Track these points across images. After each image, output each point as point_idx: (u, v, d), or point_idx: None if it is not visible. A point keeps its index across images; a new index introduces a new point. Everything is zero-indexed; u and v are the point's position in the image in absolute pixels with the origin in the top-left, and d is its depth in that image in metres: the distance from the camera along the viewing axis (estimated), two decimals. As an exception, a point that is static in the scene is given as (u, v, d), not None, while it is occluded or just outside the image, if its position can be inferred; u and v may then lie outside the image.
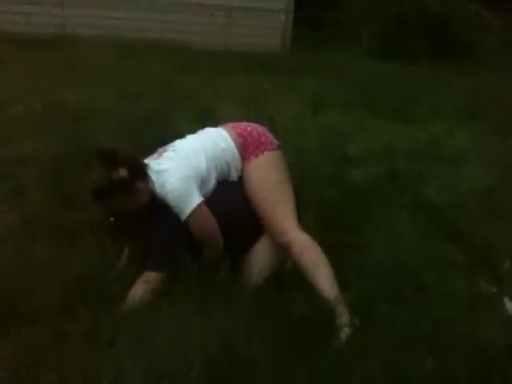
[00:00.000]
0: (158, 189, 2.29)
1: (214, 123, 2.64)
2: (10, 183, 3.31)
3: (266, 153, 2.45)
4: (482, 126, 5.43)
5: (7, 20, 8.42)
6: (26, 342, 1.90)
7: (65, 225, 2.76)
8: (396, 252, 2.73)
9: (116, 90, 5.62)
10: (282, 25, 9.41)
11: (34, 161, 3.58)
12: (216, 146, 2.42)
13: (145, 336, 1.92)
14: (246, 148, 2.44)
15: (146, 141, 3.33)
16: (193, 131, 2.59)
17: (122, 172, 2.23)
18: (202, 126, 2.64)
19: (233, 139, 2.45)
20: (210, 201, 2.33)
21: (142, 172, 2.30)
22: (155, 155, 2.43)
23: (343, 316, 2.14)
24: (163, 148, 2.46)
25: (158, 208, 2.30)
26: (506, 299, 2.43)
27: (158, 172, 2.31)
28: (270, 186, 2.41)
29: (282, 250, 2.38)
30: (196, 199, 2.28)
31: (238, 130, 2.48)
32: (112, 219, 2.38)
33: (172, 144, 2.47)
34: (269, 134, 2.54)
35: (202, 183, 2.36)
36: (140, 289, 2.21)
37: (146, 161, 2.39)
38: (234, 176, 2.47)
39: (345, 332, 2.09)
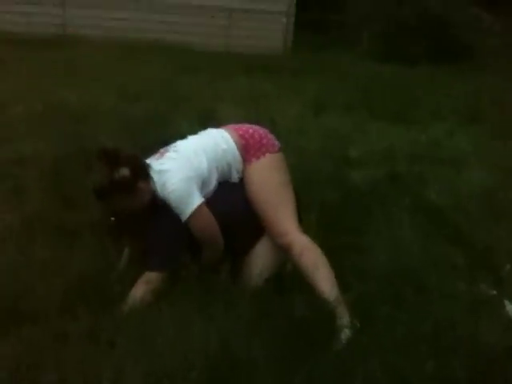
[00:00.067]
0: (159, 189, 2.29)
1: (215, 124, 2.65)
2: (11, 183, 3.31)
3: (267, 155, 2.45)
4: (482, 128, 5.44)
5: (8, 20, 8.43)
6: (26, 342, 1.90)
7: (65, 225, 2.76)
8: (396, 254, 2.73)
9: (116, 90, 5.62)
10: (283, 27, 9.41)
11: (35, 161, 3.58)
12: (217, 147, 2.42)
13: (145, 337, 1.92)
14: (248, 150, 2.44)
15: (147, 141, 3.33)
16: (193, 132, 2.59)
17: (124, 172, 2.23)
18: (203, 127, 2.64)
19: (234, 141, 2.45)
20: (211, 202, 2.33)
21: (143, 172, 2.30)
22: (157, 155, 2.43)
23: (343, 317, 2.14)
24: (165, 148, 2.46)
25: (159, 208, 2.30)
26: (506, 302, 2.43)
27: (160, 172, 2.31)
28: (272, 188, 2.41)
29: (283, 252, 2.38)
30: (197, 200, 2.28)
31: (240, 132, 2.48)
32: (113, 219, 2.37)
33: (174, 144, 2.47)
34: (270, 136, 2.54)
35: (203, 184, 2.36)
36: (141, 289, 2.21)
37: (148, 161, 2.39)
38: (235, 177, 2.47)
39: (345, 333, 2.09)
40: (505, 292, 2.53)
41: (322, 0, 11.21)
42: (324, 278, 2.26)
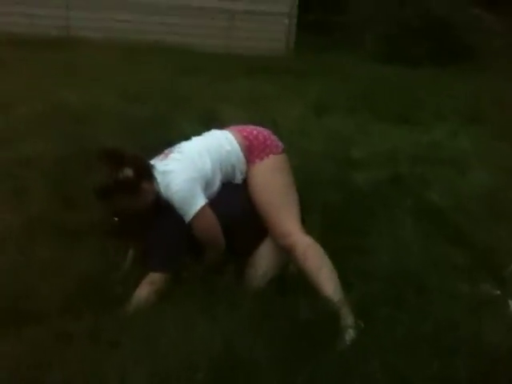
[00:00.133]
0: (162, 190, 2.30)
1: (218, 126, 2.65)
2: (12, 183, 3.32)
3: (271, 156, 2.45)
4: (484, 129, 5.43)
5: (10, 21, 8.43)
6: (29, 342, 1.90)
7: (66, 225, 2.77)
8: (398, 255, 2.73)
9: (117, 91, 5.62)
10: (285, 28, 9.40)
11: (36, 161, 3.59)
12: (221, 148, 2.43)
13: (149, 338, 1.92)
14: (252, 151, 2.45)
15: (148, 142, 3.34)
16: (195, 133, 2.60)
17: (128, 172, 2.23)
18: (205, 129, 2.65)
19: (238, 142, 2.46)
20: (214, 203, 2.34)
21: (147, 173, 2.31)
22: (161, 156, 2.44)
23: (348, 318, 2.15)
24: (169, 149, 2.47)
25: (163, 209, 2.31)
26: (510, 301, 2.43)
27: (164, 173, 2.31)
28: (275, 189, 2.42)
29: (286, 253, 2.38)
30: (200, 201, 2.28)
31: (244, 133, 2.49)
32: (116, 219, 2.38)
33: (178, 145, 2.48)
34: (274, 138, 2.55)
35: (207, 185, 2.36)
36: (145, 290, 2.22)
37: (152, 162, 2.40)
38: (239, 178, 2.48)
39: (349, 334, 2.09)
40: (508, 292, 2.53)
41: (324, 1, 11.22)
42: (327, 279, 2.26)
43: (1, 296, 2.15)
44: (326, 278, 2.26)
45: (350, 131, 5.10)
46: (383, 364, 1.88)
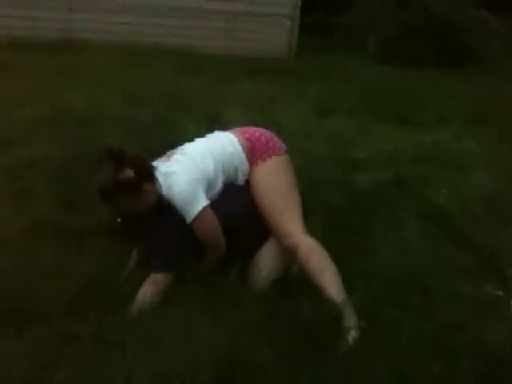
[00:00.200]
0: (165, 191, 2.31)
1: (221, 128, 2.66)
2: (19, 185, 3.33)
3: (273, 157, 2.46)
4: (487, 132, 5.43)
5: (13, 24, 8.46)
6: (34, 342, 1.91)
7: (71, 227, 2.78)
8: (402, 257, 2.74)
9: (121, 94, 5.64)
10: (287, 30, 9.41)
11: (40, 163, 3.60)
12: (224, 150, 2.44)
13: (153, 338, 1.93)
14: (254, 153, 2.46)
15: (152, 145, 3.34)
16: (199, 135, 2.61)
17: (129, 173, 2.24)
18: (209, 131, 2.66)
19: (241, 144, 2.46)
20: (216, 205, 2.34)
21: (148, 174, 2.32)
22: (164, 158, 2.45)
23: (350, 319, 2.15)
24: (172, 151, 2.48)
25: (165, 210, 2.31)
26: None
27: (166, 174, 2.32)
28: (278, 191, 2.42)
29: (289, 254, 2.39)
30: (202, 202, 2.29)
31: (247, 135, 2.50)
32: (119, 220, 2.39)
33: (181, 147, 2.49)
34: (276, 139, 2.55)
35: (209, 186, 2.37)
36: (149, 290, 2.23)
37: (155, 163, 2.41)
38: (241, 180, 2.49)
39: (352, 335, 2.10)
40: (511, 293, 2.53)
41: (327, 3, 11.23)
42: (330, 281, 2.27)
43: (6, 297, 2.16)
44: (329, 279, 2.27)
45: (353, 133, 5.10)
46: (388, 365, 1.88)
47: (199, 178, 2.33)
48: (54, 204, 3.04)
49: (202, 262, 2.38)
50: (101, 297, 2.16)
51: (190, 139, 2.57)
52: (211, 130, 2.64)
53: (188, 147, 2.48)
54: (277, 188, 2.43)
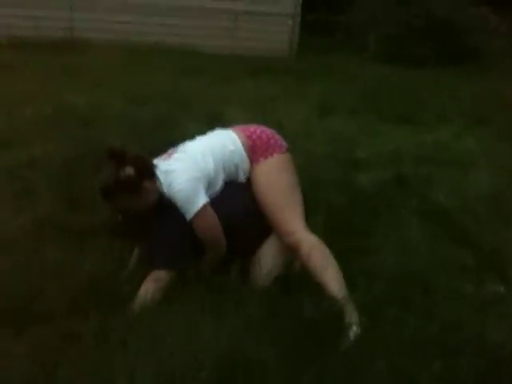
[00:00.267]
0: (165, 189, 2.31)
1: (222, 126, 2.66)
2: (19, 185, 3.34)
3: (275, 155, 2.46)
4: (488, 131, 5.43)
5: (16, 24, 8.47)
6: (36, 341, 1.92)
7: (75, 226, 2.78)
8: (404, 256, 2.74)
9: (122, 93, 5.65)
10: (288, 29, 9.41)
11: (44, 163, 3.62)
12: (224, 148, 2.44)
13: (155, 337, 1.93)
14: (255, 150, 2.46)
15: (154, 145, 3.35)
16: (200, 135, 2.61)
17: (129, 171, 2.24)
18: (210, 130, 2.66)
19: (242, 141, 2.46)
20: (217, 203, 2.34)
21: (149, 172, 2.32)
22: (164, 156, 2.45)
23: (352, 315, 2.16)
24: (172, 149, 2.48)
25: (166, 208, 2.32)
26: None
27: (166, 172, 2.33)
28: (279, 190, 2.42)
29: (290, 251, 2.39)
30: (202, 200, 2.30)
31: (247, 133, 2.50)
32: (120, 219, 2.39)
33: (182, 145, 2.49)
34: (278, 137, 2.55)
35: (209, 184, 2.38)
36: (150, 287, 2.23)
37: (156, 161, 2.41)
38: (242, 178, 2.49)
39: (353, 331, 2.11)
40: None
41: (328, 2, 11.23)
42: (332, 278, 2.27)
43: (7, 296, 2.17)
44: (331, 277, 2.27)
45: (354, 132, 5.11)
46: (389, 364, 1.88)
47: (199, 176, 2.33)
48: (54, 204, 3.05)
49: (202, 260, 2.39)
50: (102, 296, 2.16)
51: (191, 138, 2.57)
52: (212, 130, 2.64)
53: (189, 145, 2.48)
54: (278, 186, 2.43)
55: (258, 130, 2.53)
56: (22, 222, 2.83)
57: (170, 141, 2.70)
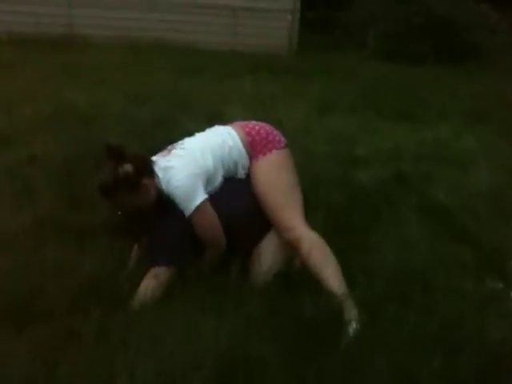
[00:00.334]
0: (164, 185, 2.31)
1: (222, 123, 2.66)
2: (19, 184, 3.34)
3: (274, 151, 2.47)
4: (488, 128, 5.43)
5: (15, 21, 8.45)
6: (38, 341, 1.92)
7: (75, 225, 2.79)
8: (404, 254, 2.74)
9: (123, 92, 5.65)
10: (288, 25, 9.40)
11: (44, 162, 3.62)
12: (223, 144, 2.45)
13: (156, 336, 1.93)
14: (254, 147, 2.46)
15: (154, 143, 3.34)
16: (200, 132, 2.61)
17: (128, 168, 2.24)
18: (210, 128, 2.66)
19: (241, 138, 2.47)
20: (216, 203, 2.34)
21: (147, 168, 2.32)
22: (164, 152, 2.46)
23: (351, 312, 2.17)
24: (172, 145, 2.48)
25: (166, 205, 2.32)
26: None
27: (165, 169, 2.33)
28: (279, 188, 2.43)
29: (290, 248, 2.40)
30: (201, 196, 2.30)
31: (246, 129, 2.50)
32: (120, 217, 2.40)
33: (181, 142, 2.49)
34: (277, 133, 2.56)
35: (208, 181, 2.38)
36: (150, 284, 2.24)
37: (155, 158, 2.42)
38: (242, 174, 2.49)
39: (353, 327, 2.11)
40: (511, 285, 2.54)
41: (327, -1, 11.22)
42: (332, 275, 2.28)
43: (7, 295, 2.17)
44: (330, 274, 2.28)
45: (354, 130, 5.11)
46: (389, 361, 1.89)
47: (198, 172, 2.33)
48: (54, 202, 3.05)
49: (202, 259, 2.39)
50: (102, 295, 2.16)
51: (191, 134, 2.57)
52: (211, 127, 2.64)
53: (188, 142, 2.48)
54: (278, 185, 2.44)
55: (257, 126, 2.54)
56: (22, 221, 2.83)
57: (170, 139, 2.71)
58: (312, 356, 1.91)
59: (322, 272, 2.28)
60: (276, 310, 2.12)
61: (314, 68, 7.70)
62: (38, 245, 2.54)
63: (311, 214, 2.60)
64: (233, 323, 1.99)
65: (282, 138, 2.56)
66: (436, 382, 1.87)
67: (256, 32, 9.15)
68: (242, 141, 2.46)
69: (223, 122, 2.66)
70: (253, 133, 2.49)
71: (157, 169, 2.34)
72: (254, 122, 2.58)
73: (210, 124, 2.65)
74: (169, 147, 2.48)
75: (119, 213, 2.38)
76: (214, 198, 2.36)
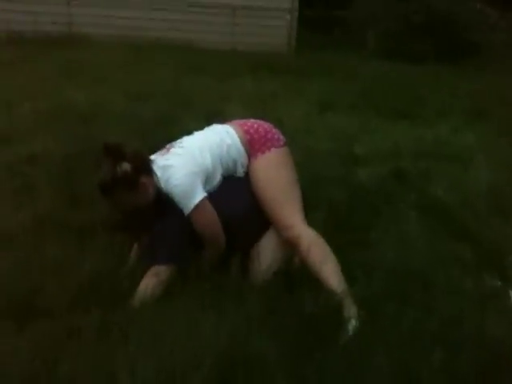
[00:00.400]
0: (163, 184, 2.32)
1: (221, 121, 2.67)
2: (19, 181, 3.35)
3: (272, 149, 2.47)
4: (488, 126, 5.43)
5: (14, 19, 8.45)
6: (39, 337, 1.93)
7: (75, 223, 2.79)
8: (403, 251, 2.75)
9: (123, 90, 5.65)
10: (286, 24, 9.40)
11: (44, 159, 3.62)
12: (222, 142, 2.45)
13: (156, 333, 1.94)
14: (253, 145, 2.46)
15: (155, 142, 3.34)
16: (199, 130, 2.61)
17: (126, 167, 2.25)
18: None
19: (239, 136, 2.47)
20: (216, 203, 2.34)
21: (146, 167, 2.33)
22: (163, 151, 2.46)
23: (350, 309, 2.18)
24: (171, 144, 2.49)
25: (165, 203, 2.32)
26: (511, 292, 2.45)
27: (164, 167, 2.33)
28: (279, 186, 2.43)
29: (290, 246, 2.40)
30: (200, 195, 2.30)
31: (245, 127, 2.51)
32: (120, 215, 2.40)
33: (180, 140, 2.50)
34: (275, 131, 2.56)
35: (207, 179, 2.38)
36: (150, 282, 2.24)
37: (154, 156, 2.42)
38: (241, 172, 2.49)
39: (352, 324, 2.12)
40: (510, 283, 2.55)
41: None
42: (331, 273, 2.29)
43: (8, 293, 2.18)
44: (330, 272, 2.29)
45: (354, 128, 5.11)
46: (389, 358, 1.89)
47: (197, 171, 2.34)
48: (54, 200, 3.05)
49: (202, 257, 2.39)
50: (102, 292, 2.17)
51: (190, 133, 2.58)
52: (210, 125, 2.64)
53: (187, 140, 2.48)
54: (277, 183, 2.44)
55: (256, 124, 2.54)
56: (22, 219, 2.84)
57: (170, 138, 2.71)
58: (312, 353, 1.91)
59: (321, 270, 2.28)
60: (276, 308, 2.12)
61: (314, 67, 7.70)
62: (38, 242, 2.55)
63: (311, 212, 2.60)
64: (233, 321, 2.00)
65: (281, 136, 2.56)
66: (436, 378, 1.87)
67: (255, 31, 9.16)
68: (241, 139, 2.46)
69: (224, 120, 2.66)
70: (251, 131, 2.49)
71: (155, 167, 2.34)
72: (252, 120, 2.58)
73: (211, 123, 2.65)
74: (167, 146, 2.49)
75: (119, 213, 2.38)
76: (213, 196, 2.36)
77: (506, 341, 2.06)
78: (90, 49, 7.48)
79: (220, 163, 2.43)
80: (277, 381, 1.78)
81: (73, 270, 2.32)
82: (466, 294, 2.43)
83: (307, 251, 2.31)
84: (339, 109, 5.74)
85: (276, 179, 2.44)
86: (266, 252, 2.40)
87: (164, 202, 2.32)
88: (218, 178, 2.43)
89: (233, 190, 2.44)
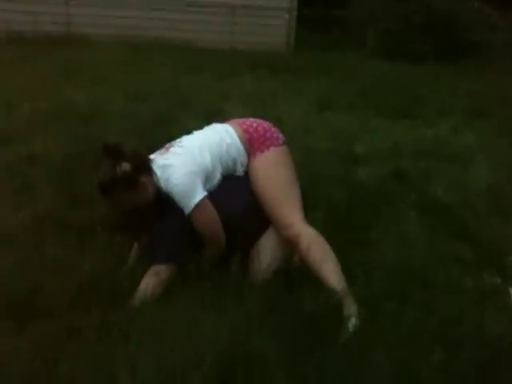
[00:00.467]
0: (162, 183, 2.32)
1: (221, 120, 2.67)
2: (21, 181, 3.35)
3: (271, 148, 2.47)
4: (488, 125, 5.43)
5: (14, 19, 8.45)
6: (39, 337, 1.93)
7: (75, 222, 2.79)
8: (403, 250, 2.75)
9: (122, 90, 5.65)
10: (285, 23, 9.40)
11: (44, 159, 3.62)
12: (221, 142, 2.45)
13: (157, 332, 1.94)
14: (252, 144, 2.47)
15: (154, 141, 3.34)
16: (199, 130, 2.61)
17: (125, 166, 2.25)
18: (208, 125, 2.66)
19: (238, 135, 2.47)
20: (216, 202, 2.35)
21: (145, 167, 2.33)
22: (162, 150, 2.46)
23: (350, 307, 2.18)
24: (170, 143, 2.49)
25: (165, 203, 2.32)
26: (510, 290, 2.45)
27: (164, 167, 2.33)
28: (278, 184, 2.43)
29: (289, 245, 2.40)
30: (200, 194, 2.31)
31: (244, 126, 2.51)
32: (120, 214, 2.40)
33: (179, 140, 2.50)
34: (274, 129, 2.56)
35: (207, 178, 2.39)
36: (150, 281, 2.24)
37: (153, 156, 2.42)
38: (240, 171, 2.50)
39: (352, 322, 2.12)
40: (509, 281, 2.55)
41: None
42: (331, 271, 2.29)
43: (8, 292, 2.18)
44: (330, 270, 2.29)
45: (353, 127, 5.11)
46: (389, 356, 1.89)
47: (197, 170, 2.34)
48: (54, 200, 3.05)
49: (202, 255, 2.39)
50: (102, 291, 2.17)
51: (189, 132, 2.58)
52: (210, 124, 2.64)
53: (186, 139, 2.49)
54: (277, 181, 2.44)
55: (255, 123, 2.54)
56: (22, 218, 2.84)
57: (170, 137, 2.71)
58: (312, 352, 1.91)
59: (321, 268, 2.29)
60: (276, 307, 2.12)
61: (314, 66, 7.69)
62: (38, 242, 2.55)
63: (311, 212, 2.60)
64: (233, 320, 2.00)
65: (280, 135, 2.56)
66: (435, 377, 1.87)
67: (254, 30, 9.16)
68: (240, 138, 2.47)
69: (223, 119, 2.67)
70: (250, 130, 2.49)
71: (155, 167, 2.34)
72: (251, 119, 2.58)
73: (210, 122, 2.65)
74: (167, 145, 2.49)
75: (119, 213, 2.38)
76: (213, 195, 2.37)
77: (506, 338, 2.06)
78: (88, 49, 7.48)
79: (220, 162, 2.43)
80: (277, 379, 1.78)
81: (73, 269, 2.32)
82: (466, 294, 2.43)
83: (307, 250, 2.32)
84: (338, 108, 5.75)
85: (275, 178, 2.44)
86: (266, 251, 2.40)
87: (164, 202, 2.32)
88: (217, 177, 2.43)
89: (232, 189, 2.44)
